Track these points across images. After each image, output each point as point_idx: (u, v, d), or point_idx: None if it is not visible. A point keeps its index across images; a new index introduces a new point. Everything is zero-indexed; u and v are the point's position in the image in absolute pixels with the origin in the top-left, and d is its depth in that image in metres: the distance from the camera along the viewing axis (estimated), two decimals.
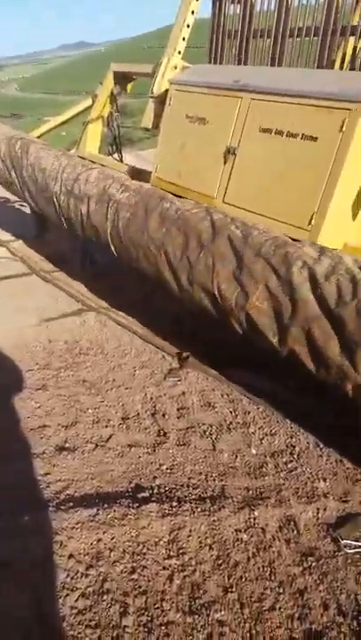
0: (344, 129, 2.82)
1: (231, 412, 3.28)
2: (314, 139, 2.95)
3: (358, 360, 2.22)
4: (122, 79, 5.25)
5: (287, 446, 3.02)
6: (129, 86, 5.40)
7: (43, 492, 2.50)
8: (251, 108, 3.34)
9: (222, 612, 2.04)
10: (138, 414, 3.18)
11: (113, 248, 3.64)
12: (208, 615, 2.02)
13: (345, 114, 2.82)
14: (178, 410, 3.26)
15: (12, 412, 3.13)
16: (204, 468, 2.79)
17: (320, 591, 2.16)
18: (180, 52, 4.33)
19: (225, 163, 3.50)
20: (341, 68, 3.74)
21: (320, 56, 3.76)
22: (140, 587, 2.09)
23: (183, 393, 3.43)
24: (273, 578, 2.20)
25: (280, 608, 2.08)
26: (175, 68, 4.28)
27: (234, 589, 2.14)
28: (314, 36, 3.75)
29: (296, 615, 2.06)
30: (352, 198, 2.96)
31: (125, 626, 1.93)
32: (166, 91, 4.17)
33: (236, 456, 2.91)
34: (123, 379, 3.52)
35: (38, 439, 2.88)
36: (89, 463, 2.75)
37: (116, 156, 5.55)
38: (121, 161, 5.47)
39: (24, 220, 6.41)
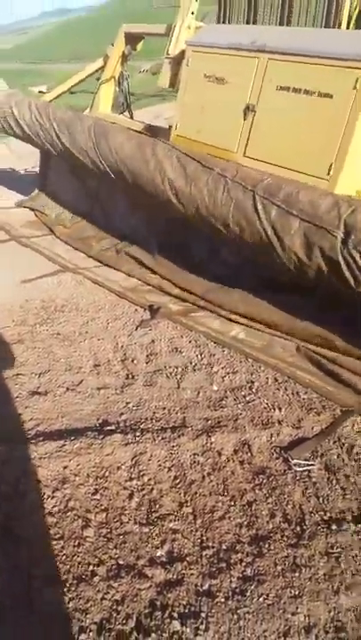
0: (357, 86, 3.04)
1: (197, 356, 3.47)
2: (329, 96, 3.18)
3: None
4: (132, 39, 5.35)
5: (247, 382, 3.21)
6: (138, 45, 5.50)
7: (14, 430, 2.70)
8: (268, 67, 3.52)
9: (176, 522, 2.25)
10: (108, 361, 3.37)
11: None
12: (163, 525, 2.23)
13: (358, 72, 3.04)
14: (147, 356, 3.44)
15: None
16: (167, 403, 2.99)
17: (268, 503, 2.38)
18: (193, 13, 4.46)
19: (244, 119, 3.70)
20: (348, 27, 3.95)
21: (327, 15, 3.85)
22: (101, 505, 2.30)
23: (153, 341, 3.60)
24: (225, 493, 2.42)
25: (230, 517, 2.29)
26: (189, 28, 4.44)
27: (188, 504, 2.35)
28: None
29: (244, 523, 2.27)
30: None
31: (87, 536, 2.15)
32: (182, 51, 4.29)
33: (199, 392, 3.10)
34: (95, 331, 3.69)
35: (12, 385, 3.07)
36: (60, 404, 2.94)
37: (126, 114, 5.75)
38: (132, 118, 5.68)
39: None
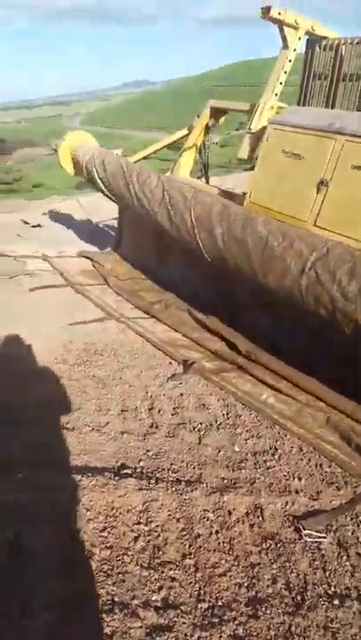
0: None
1: (223, 415, 3.51)
2: None
3: None
4: (216, 113, 5.88)
5: (270, 448, 3.22)
6: (221, 119, 6.02)
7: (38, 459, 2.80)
8: (344, 147, 3.88)
9: (177, 571, 2.25)
10: (136, 408, 3.46)
11: None
12: (163, 572, 2.24)
13: None
14: (173, 408, 3.52)
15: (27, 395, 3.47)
16: (186, 457, 3.03)
17: (272, 568, 2.35)
18: (276, 95, 4.94)
19: (317, 192, 4.05)
20: None
21: None
22: (107, 542, 2.34)
23: (181, 394, 3.68)
24: (230, 552, 2.41)
25: (230, 576, 2.28)
26: (272, 108, 4.90)
27: (192, 556, 2.35)
28: None
29: (245, 584, 2.25)
30: None
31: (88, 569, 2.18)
32: (263, 128, 4.75)
33: (220, 451, 3.13)
34: (129, 377, 3.81)
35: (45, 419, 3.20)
36: (84, 442, 3.03)
37: (203, 179, 6.27)
38: (207, 183, 6.16)
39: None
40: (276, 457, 3.13)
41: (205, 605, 2.11)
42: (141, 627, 1.94)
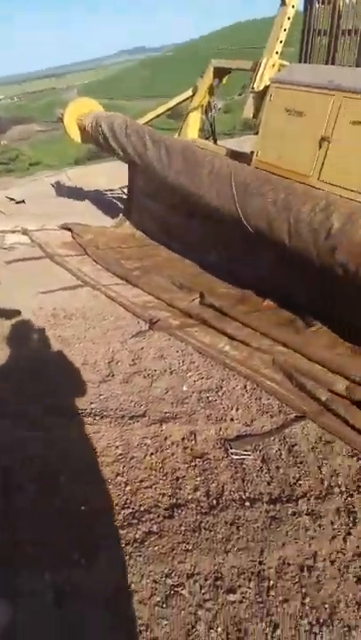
0: None
1: (179, 363, 3.79)
2: None
3: None
4: (219, 73, 6.07)
5: (217, 387, 3.49)
6: (224, 79, 6.22)
7: None
8: (343, 104, 4.07)
9: (108, 487, 2.57)
10: (95, 362, 3.77)
11: None
12: (94, 488, 2.56)
13: None
14: (132, 359, 3.81)
15: None
16: (135, 398, 3.33)
17: (195, 480, 2.65)
18: (277, 53, 5.07)
19: (320, 148, 4.27)
20: None
21: None
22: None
23: (142, 348, 3.98)
24: (160, 470, 2.71)
25: (155, 488, 2.58)
26: (273, 66, 5.04)
27: (124, 475, 2.66)
28: None
29: (168, 493, 2.56)
30: None
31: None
32: (266, 87, 4.92)
33: (168, 391, 3.42)
34: (93, 337, 4.12)
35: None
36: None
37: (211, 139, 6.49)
38: (215, 143, 6.37)
39: None
40: (219, 394, 3.41)
41: (127, 512, 2.42)
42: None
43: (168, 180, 5.27)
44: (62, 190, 9.75)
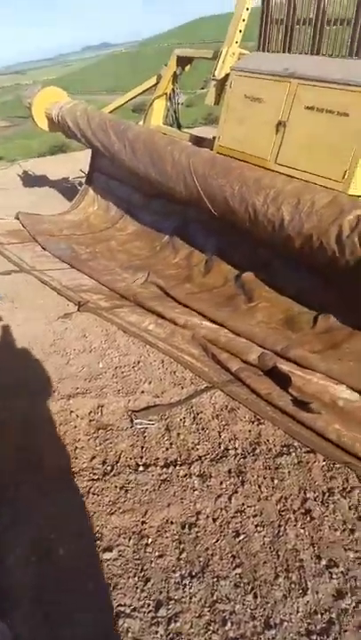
0: None
1: (101, 342, 3.81)
2: (346, 114, 3.79)
3: None
4: (182, 61, 6.20)
5: (134, 363, 3.52)
6: (187, 67, 6.33)
7: None
8: (298, 90, 4.20)
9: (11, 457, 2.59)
10: (15, 341, 3.77)
11: None
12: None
13: None
14: (53, 340, 3.82)
15: None
16: (49, 375, 3.35)
17: (94, 450, 2.68)
18: (237, 42, 5.20)
19: (276, 133, 4.38)
20: None
21: (351, 46, 4.36)
22: None
23: (66, 329, 3.98)
24: (59, 441, 2.73)
25: (51, 456, 2.61)
26: (233, 54, 5.17)
27: (26, 449, 2.68)
28: (347, 25, 4.35)
29: (62, 463, 2.58)
30: None
31: None
32: (227, 75, 5.06)
33: (83, 368, 3.44)
34: (18, 319, 4.10)
35: None
36: None
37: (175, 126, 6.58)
38: (179, 129, 6.50)
39: None
40: (135, 369, 3.44)
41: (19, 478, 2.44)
42: None
43: (136, 171, 5.47)
44: (16, 182, 9.64)
